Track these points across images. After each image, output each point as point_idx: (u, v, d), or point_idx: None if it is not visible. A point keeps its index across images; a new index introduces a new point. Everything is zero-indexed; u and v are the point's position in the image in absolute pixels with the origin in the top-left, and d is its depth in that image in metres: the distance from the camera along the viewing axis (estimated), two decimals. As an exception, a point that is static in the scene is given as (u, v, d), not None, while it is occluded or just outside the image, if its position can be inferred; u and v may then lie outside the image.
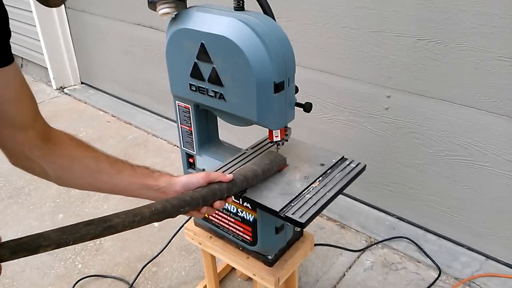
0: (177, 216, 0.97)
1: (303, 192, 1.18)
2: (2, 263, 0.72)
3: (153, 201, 0.92)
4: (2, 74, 0.73)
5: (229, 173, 1.18)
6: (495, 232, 1.91)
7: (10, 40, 0.73)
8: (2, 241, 0.71)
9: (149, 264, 2.02)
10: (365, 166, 1.32)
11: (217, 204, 1.02)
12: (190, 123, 1.38)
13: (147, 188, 0.98)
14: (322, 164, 1.30)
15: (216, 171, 1.27)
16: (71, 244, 0.77)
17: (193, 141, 1.41)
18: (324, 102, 2.21)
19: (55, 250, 0.76)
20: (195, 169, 1.46)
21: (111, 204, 2.43)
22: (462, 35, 1.67)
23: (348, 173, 1.27)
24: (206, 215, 1.44)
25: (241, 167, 1.27)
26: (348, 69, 2.06)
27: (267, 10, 1.18)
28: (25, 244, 0.72)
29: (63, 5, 3.66)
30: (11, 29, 0.73)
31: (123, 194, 0.99)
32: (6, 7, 0.71)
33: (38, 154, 0.86)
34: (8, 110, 0.77)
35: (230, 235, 1.40)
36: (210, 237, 1.52)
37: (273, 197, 1.15)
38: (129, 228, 0.85)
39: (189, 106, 1.34)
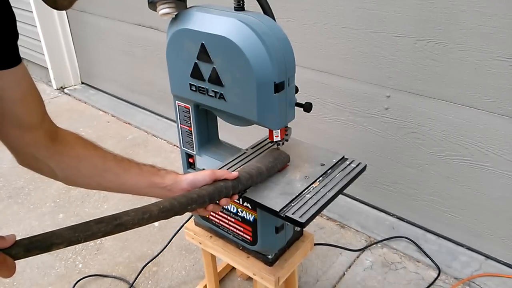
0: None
1: (303, 192, 1.18)
2: (15, 261, 0.73)
3: (158, 199, 0.93)
4: (10, 75, 0.73)
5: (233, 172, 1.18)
6: (495, 232, 1.91)
7: None
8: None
9: (149, 264, 2.02)
10: (365, 166, 1.32)
11: (223, 201, 1.03)
12: (190, 123, 1.38)
13: (154, 186, 0.99)
14: (323, 164, 1.30)
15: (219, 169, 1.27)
16: (83, 242, 0.79)
17: (193, 141, 1.41)
18: (324, 102, 2.21)
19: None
20: (195, 169, 1.46)
21: (111, 204, 2.43)
22: (462, 35, 1.68)
23: (349, 173, 1.27)
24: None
25: (245, 164, 1.28)
26: (348, 69, 2.06)
27: (267, 10, 1.18)
28: (38, 242, 0.73)
29: (63, 5, 3.68)
30: None
31: (130, 192, 1.00)
32: None
33: (45, 154, 0.86)
34: (16, 110, 0.77)
35: (230, 234, 1.40)
36: (210, 236, 1.52)
37: (273, 197, 1.15)
38: (138, 226, 0.87)
39: (189, 106, 1.34)
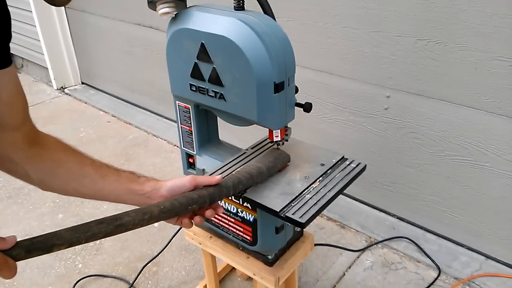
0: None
1: (304, 192, 1.18)
2: (16, 262, 0.73)
3: (137, 207, 0.90)
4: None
5: (233, 171, 1.18)
6: (495, 232, 1.91)
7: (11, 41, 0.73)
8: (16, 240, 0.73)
9: (149, 264, 2.02)
10: (365, 166, 1.32)
11: (208, 213, 0.99)
12: (190, 123, 1.38)
13: (132, 193, 0.96)
14: (322, 164, 1.30)
15: (216, 171, 1.27)
16: (84, 243, 0.79)
17: (193, 141, 1.41)
18: (324, 102, 2.21)
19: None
20: (195, 169, 1.46)
21: (110, 205, 2.42)
22: (462, 35, 1.68)
23: (349, 173, 1.27)
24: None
25: (245, 164, 1.27)
26: (348, 69, 2.06)
27: (267, 10, 1.18)
28: (39, 243, 0.74)
29: (63, 5, 3.68)
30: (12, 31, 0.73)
31: (107, 199, 0.97)
32: None
33: (23, 156, 0.85)
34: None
35: (230, 235, 1.40)
36: (210, 237, 1.52)
37: (273, 197, 1.15)
38: (139, 226, 0.86)
39: (189, 106, 1.34)
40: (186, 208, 0.93)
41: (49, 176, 0.90)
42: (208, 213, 0.98)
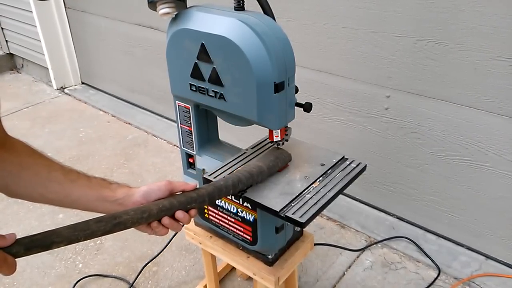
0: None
1: (303, 192, 1.18)
2: (15, 259, 0.73)
3: (104, 214, 0.86)
4: None
5: (234, 171, 1.18)
6: (495, 232, 1.91)
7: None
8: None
9: (149, 264, 2.02)
10: (365, 166, 1.32)
11: (179, 216, 0.93)
12: (190, 123, 1.38)
13: (103, 200, 0.92)
14: (323, 164, 1.30)
15: (216, 171, 1.27)
16: (82, 240, 0.79)
17: (193, 141, 1.41)
18: (324, 102, 2.21)
19: (56, 249, 0.77)
20: (195, 169, 1.46)
21: (111, 204, 2.43)
22: (462, 35, 1.68)
23: (349, 173, 1.27)
24: (206, 215, 1.44)
25: (246, 163, 1.28)
26: (348, 69, 2.06)
27: (267, 10, 1.18)
28: (38, 240, 0.74)
29: (63, 5, 3.68)
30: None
31: (76, 206, 0.93)
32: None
33: None
34: None
35: (230, 235, 1.40)
36: (210, 236, 1.52)
37: (273, 197, 1.15)
38: (138, 225, 0.87)
39: (189, 106, 1.34)
40: (185, 207, 0.93)
41: (14, 179, 0.87)
42: (180, 214, 0.93)
